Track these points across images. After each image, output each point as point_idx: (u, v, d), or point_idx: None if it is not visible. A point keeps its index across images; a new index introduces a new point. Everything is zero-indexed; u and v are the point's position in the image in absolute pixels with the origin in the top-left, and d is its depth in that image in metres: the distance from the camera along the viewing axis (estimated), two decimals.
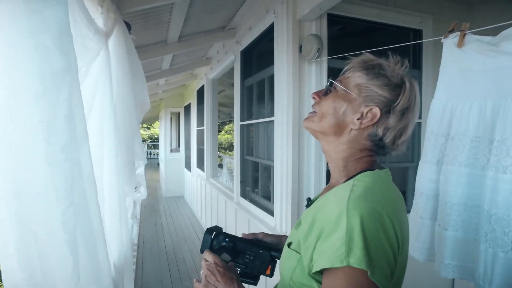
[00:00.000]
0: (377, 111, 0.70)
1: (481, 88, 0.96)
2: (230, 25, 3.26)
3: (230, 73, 3.90)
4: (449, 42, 1.06)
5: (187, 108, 7.38)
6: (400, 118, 0.70)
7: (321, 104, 0.77)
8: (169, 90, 7.04)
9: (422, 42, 2.39)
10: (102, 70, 1.44)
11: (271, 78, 2.41)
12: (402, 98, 0.70)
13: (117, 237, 1.55)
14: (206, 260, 0.79)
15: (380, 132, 0.71)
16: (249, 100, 3.14)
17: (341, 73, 0.79)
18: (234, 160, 3.52)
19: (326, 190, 0.80)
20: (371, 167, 0.73)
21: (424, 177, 1.12)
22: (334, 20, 2.14)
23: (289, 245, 0.75)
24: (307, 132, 2.11)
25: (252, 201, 3.02)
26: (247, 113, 3.20)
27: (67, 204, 0.61)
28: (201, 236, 4.96)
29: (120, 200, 1.56)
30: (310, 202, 0.84)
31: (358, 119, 0.71)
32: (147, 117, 13.22)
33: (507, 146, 0.87)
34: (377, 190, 0.67)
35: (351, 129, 0.72)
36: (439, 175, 1.08)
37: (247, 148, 3.28)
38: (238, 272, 0.84)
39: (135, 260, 3.92)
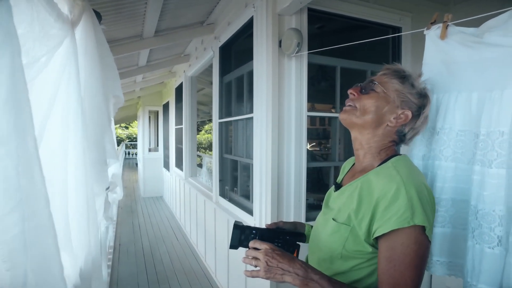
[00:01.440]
0: (409, 114, 0.87)
1: (465, 80, 0.93)
2: (208, 20, 3.18)
3: (209, 70, 3.80)
4: (432, 34, 1.03)
5: (166, 107, 7.21)
6: (423, 121, 0.90)
7: (362, 100, 0.90)
8: (147, 88, 6.85)
9: (401, 39, 2.39)
10: (67, 61, 1.33)
11: (250, 74, 2.35)
12: (428, 106, 0.89)
13: (84, 241, 1.44)
14: (256, 249, 0.85)
15: (406, 130, 0.89)
16: (228, 97, 3.06)
17: (375, 75, 0.93)
18: (213, 159, 3.44)
19: (354, 172, 0.97)
20: (396, 153, 0.91)
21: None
22: (314, 16, 2.10)
23: (334, 220, 0.88)
24: (287, 129, 2.06)
25: (231, 201, 2.95)
26: (226, 110, 3.13)
27: (8, 209, 0.52)
28: (180, 237, 4.87)
29: (89, 201, 1.45)
30: (339, 184, 1.01)
31: (394, 118, 0.87)
32: (124, 116, 12.86)
33: (492, 140, 0.84)
34: (414, 169, 0.84)
35: (387, 125, 0.88)
36: (425, 170, 1.04)
37: (226, 146, 3.21)
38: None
39: (110, 263, 3.76)
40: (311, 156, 3.91)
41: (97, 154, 1.59)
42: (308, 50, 2.01)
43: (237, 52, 2.96)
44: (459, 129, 0.95)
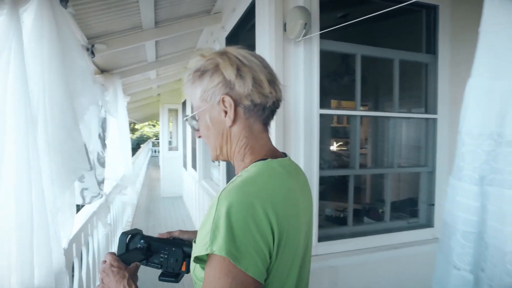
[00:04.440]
0: (225, 97, 0.74)
1: None
2: (215, 9, 2.88)
3: None
4: None
5: (184, 105, 7.03)
6: (240, 81, 0.73)
7: (202, 134, 0.82)
8: (164, 85, 6.68)
9: (437, 20, 1.96)
10: (2, 48, 1.07)
11: None
12: (226, 71, 0.73)
13: (45, 258, 1.19)
14: (105, 262, 0.84)
15: (245, 102, 0.74)
16: None
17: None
18: (220, 163, 3.16)
19: None
20: (263, 157, 0.75)
21: (459, 204, 0.71)
22: None
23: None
24: (294, 130, 1.71)
25: None
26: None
27: None
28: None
29: (45, 216, 1.20)
30: None
31: (225, 116, 0.75)
32: (149, 114, 12.92)
33: None
34: (257, 181, 0.68)
35: (229, 127, 0.76)
36: (484, 201, 0.66)
37: None
38: (161, 272, 0.90)
39: None
40: (326, 161, 3.53)
41: (59, 162, 1.33)
42: (320, 34, 1.65)
43: (242, 41, 2.63)
44: None
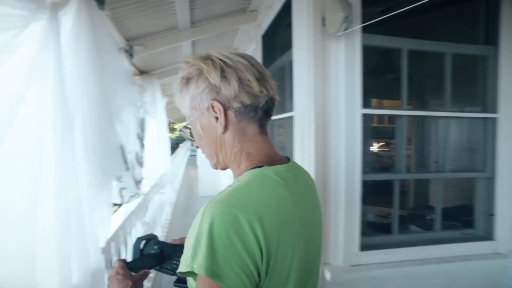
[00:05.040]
0: (213, 102, 0.70)
1: None
2: (251, 7, 2.81)
3: None
4: None
5: None
6: (226, 84, 0.69)
7: (197, 144, 0.80)
8: None
9: (499, 8, 1.75)
10: (42, 50, 1.08)
11: (292, 64, 1.93)
12: (210, 76, 0.70)
13: (82, 259, 1.20)
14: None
15: (234, 105, 0.70)
16: None
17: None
18: None
19: None
20: (259, 163, 0.71)
21: None
22: None
23: None
24: (335, 132, 1.61)
25: None
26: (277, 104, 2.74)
27: None
28: None
29: (83, 216, 1.22)
30: None
31: (215, 120, 0.72)
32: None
33: None
34: (244, 191, 0.63)
35: (221, 133, 0.73)
36: None
37: None
38: (176, 278, 0.86)
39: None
40: (367, 164, 3.33)
41: (96, 163, 1.33)
42: (362, 28, 1.52)
43: (278, 39, 2.55)
44: None
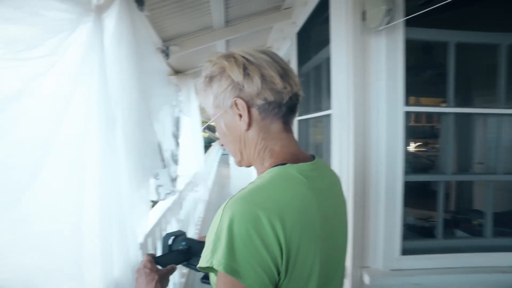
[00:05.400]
0: (236, 100, 0.70)
1: None
2: (285, 4, 2.78)
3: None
4: None
5: None
6: (249, 81, 0.69)
7: (221, 142, 0.79)
8: None
9: None
10: (89, 51, 1.12)
11: (329, 61, 1.88)
12: (232, 73, 0.69)
13: (122, 252, 1.24)
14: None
15: (258, 101, 0.70)
16: (306, 90, 2.62)
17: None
18: None
19: None
20: (282, 161, 0.69)
21: None
22: None
23: None
24: (375, 130, 1.54)
25: None
26: (304, 106, 2.70)
27: None
28: None
29: (128, 212, 1.25)
30: None
31: (240, 120, 0.72)
32: None
33: None
34: (266, 189, 0.62)
35: (245, 131, 0.72)
36: None
37: (305, 146, 2.78)
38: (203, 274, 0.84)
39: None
40: (411, 165, 3.18)
41: (135, 160, 1.36)
42: (407, 21, 1.44)
43: (314, 36, 2.50)
44: None
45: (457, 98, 1.58)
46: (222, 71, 0.71)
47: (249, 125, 0.71)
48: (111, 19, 1.29)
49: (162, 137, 2.27)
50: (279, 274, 0.58)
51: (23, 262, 0.92)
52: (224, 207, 0.60)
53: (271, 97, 0.69)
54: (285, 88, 0.69)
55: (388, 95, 1.49)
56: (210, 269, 0.59)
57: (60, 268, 1.01)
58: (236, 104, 0.70)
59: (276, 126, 0.72)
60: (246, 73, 0.69)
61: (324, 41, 1.98)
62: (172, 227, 2.59)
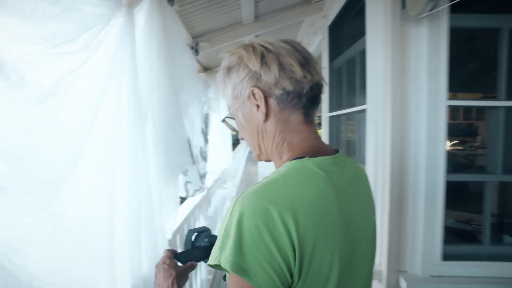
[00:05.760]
0: (254, 89, 0.67)
1: None
2: None
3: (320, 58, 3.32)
4: None
5: None
6: (266, 69, 0.65)
7: (240, 134, 0.77)
8: None
9: None
10: (121, 47, 1.11)
11: (363, 54, 1.79)
12: (250, 62, 0.67)
13: (151, 249, 1.23)
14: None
15: (276, 91, 0.66)
16: (338, 85, 2.53)
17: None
18: None
19: None
20: (301, 154, 0.65)
21: None
22: None
23: None
24: (414, 126, 1.44)
25: None
26: (336, 101, 2.60)
27: None
28: None
29: (152, 208, 1.24)
30: None
31: (257, 111, 0.69)
32: None
33: None
34: (280, 183, 0.58)
35: (263, 122, 0.69)
36: None
37: (337, 144, 2.68)
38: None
39: None
40: (450, 164, 2.98)
41: (164, 156, 1.35)
42: (451, 7, 1.33)
43: (348, 28, 2.39)
44: None
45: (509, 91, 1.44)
46: (240, 60, 0.68)
47: (267, 116, 0.68)
48: (142, 14, 1.29)
49: (191, 133, 2.27)
50: (291, 276, 0.54)
51: (58, 254, 0.92)
52: (235, 202, 0.56)
53: (289, 87, 0.65)
54: (305, 77, 0.65)
55: (430, 88, 1.38)
56: (219, 267, 0.56)
57: (92, 262, 1.01)
58: (253, 94, 0.67)
59: (295, 117, 0.68)
60: (263, 61, 0.65)
61: (358, 33, 1.88)
62: (200, 224, 2.59)
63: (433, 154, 1.42)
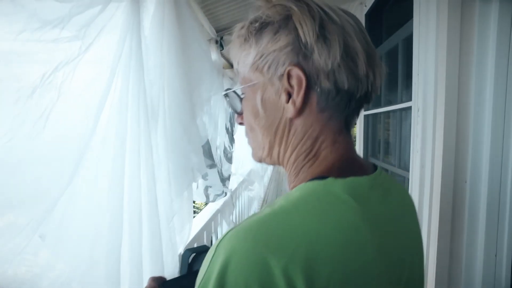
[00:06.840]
0: (292, 69, 0.45)
1: None
2: None
3: None
4: None
5: None
6: (323, 46, 0.43)
7: (246, 122, 0.55)
8: None
9: None
10: (124, 37, 0.97)
11: (408, 41, 1.53)
12: (302, 26, 0.44)
13: (156, 268, 1.08)
14: None
15: (324, 83, 0.45)
16: None
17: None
18: None
19: None
20: (324, 172, 0.46)
21: None
22: None
23: None
24: (474, 127, 1.18)
25: None
26: (374, 98, 2.34)
27: None
28: None
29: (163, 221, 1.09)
30: None
31: (287, 101, 0.47)
32: None
33: None
34: (289, 218, 0.38)
35: (290, 118, 0.48)
36: None
37: (373, 148, 2.42)
38: None
39: None
40: None
41: (176, 162, 1.20)
42: None
43: (388, 16, 2.13)
44: None
45: None
46: (286, 18, 0.46)
47: (299, 112, 0.48)
48: (151, 2, 1.14)
49: (213, 132, 2.12)
50: None
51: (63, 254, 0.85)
52: (221, 240, 0.39)
53: (344, 84, 0.45)
54: (367, 76, 0.46)
55: (497, 81, 1.12)
56: None
57: (96, 269, 0.89)
58: (289, 76, 0.46)
59: (335, 124, 0.49)
60: (322, 33, 0.44)
61: (401, 19, 1.63)
62: (223, 230, 2.44)
63: (497, 161, 1.15)
